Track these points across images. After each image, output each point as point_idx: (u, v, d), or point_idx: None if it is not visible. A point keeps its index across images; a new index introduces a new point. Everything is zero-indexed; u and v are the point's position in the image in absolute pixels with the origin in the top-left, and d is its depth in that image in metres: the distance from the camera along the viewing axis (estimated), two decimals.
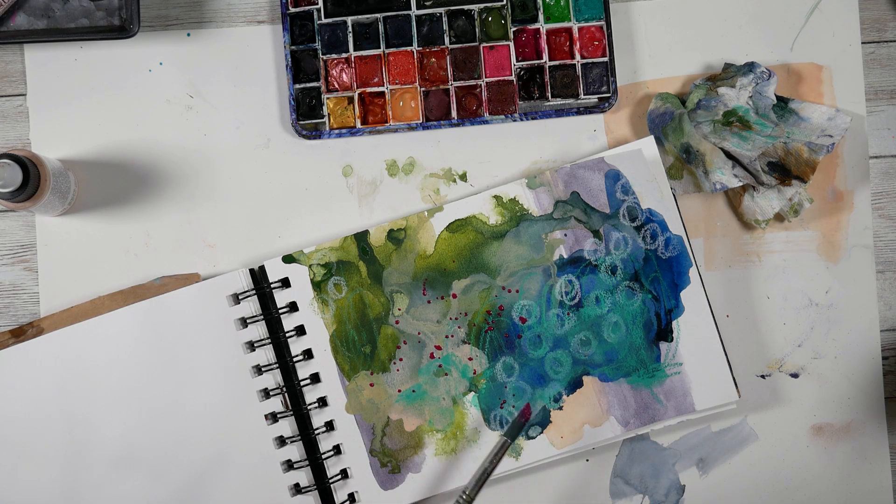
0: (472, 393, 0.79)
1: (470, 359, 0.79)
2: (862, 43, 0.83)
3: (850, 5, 0.83)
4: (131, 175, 0.81)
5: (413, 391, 0.79)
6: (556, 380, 0.80)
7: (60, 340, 0.78)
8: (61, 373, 0.78)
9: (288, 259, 0.79)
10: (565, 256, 0.80)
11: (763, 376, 0.83)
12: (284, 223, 0.82)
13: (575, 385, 0.80)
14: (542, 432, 0.79)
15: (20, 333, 0.79)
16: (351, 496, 0.79)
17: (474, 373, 0.79)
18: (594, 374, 0.80)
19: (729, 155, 0.79)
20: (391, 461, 0.79)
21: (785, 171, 0.79)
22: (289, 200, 0.82)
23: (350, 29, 0.81)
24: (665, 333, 0.80)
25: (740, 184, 0.78)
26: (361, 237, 0.80)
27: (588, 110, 0.82)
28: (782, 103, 0.81)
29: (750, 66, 0.80)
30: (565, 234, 0.80)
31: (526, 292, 0.80)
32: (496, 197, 0.80)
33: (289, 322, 0.79)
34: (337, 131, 0.81)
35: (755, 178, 0.78)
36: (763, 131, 0.79)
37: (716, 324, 0.80)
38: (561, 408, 0.79)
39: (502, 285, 0.80)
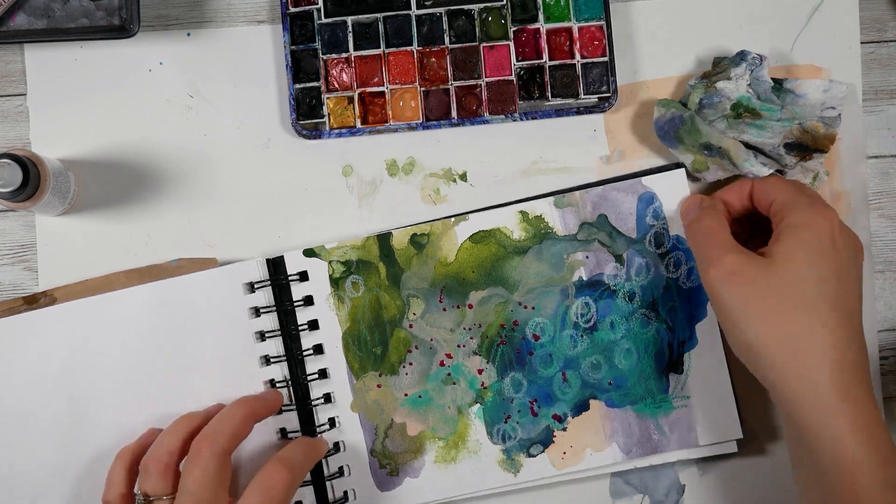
0: (478, 405, 0.79)
1: (479, 371, 0.79)
2: (861, 43, 0.84)
3: (850, 6, 0.83)
4: (131, 175, 0.81)
5: (419, 396, 0.79)
6: (563, 400, 0.79)
7: (72, 311, 0.78)
8: (70, 344, 0.78)
9: (309, 253, 0.79)
10: (585, 278, 0.80)
11: None
12: (284, 223, 0.82)
13: (581, 407, 0.80)
14: (543, 451, 0.79)
15: (33, 301, 0.79)
16: (346, 493, 0.79)
17: (482, 385, 0.79)
18: (601, 399, 0.79)
19: (747, 145, 0.78)
20: (390, 463, 0.79)
21: (803, 147, 0.79)
22: (289, 200, 0.82)
23: (350, 29, 0.81)
24: (676, 365, 0.79)
25: (770, 171, 0.78)
26: (384, 239, 0.80)
27: (588, 110, 0.82)
28: (777, 85, 0.81)
29: (741, 56, 0.80)
30: (587, 257, 0.80)
31: (542, 310, 0.80)
32: (522, 212, 0.80)
33: (302, 315, 0.79)
34: (337, 131, 0.81)
35: (779, 163, 0.78)
36: (773, 115, 0.79)
37: (727, 360, 0.80)
38: (565, 429, 0.79)
39: (519, 301, 0.80)
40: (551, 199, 0.80)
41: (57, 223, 0.81)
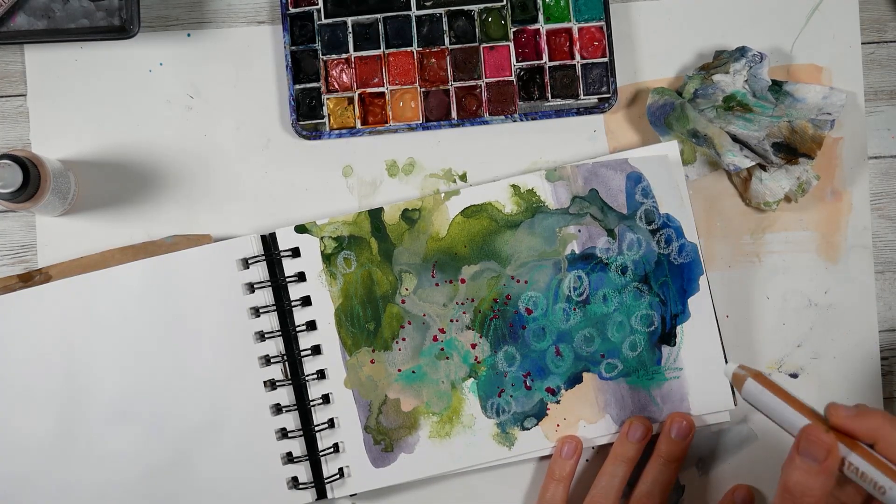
0: (472, 379, 0.80)
1: (473, 345, 0.79)
2: (862, 43, 0.84)
3: (851, 7, 0.83)
4: (131, 175, 0.81)
5: (413, 372, 0.79)
6: (557, 373, 0.80)
7: (67, 289, 0.78)
8: (65, 321, 0.78)
9: (300, 229, 0.79)
10: (577, 252, 0.80)
11: None
12: (284, 224, 0.82)
13: (574, 380, 0.80)
14: (537, 424, 0.80)
15: (28, 279, 0.80)
16: (341, 470, 0.79)
17: (476, 359, 0.80)
18: (594, 372, 0.80)
19: (735, 139, 0.79)
20: (385, 439, 0.79)
21: (791, 150, 0.79)
22: (289, 201, 0.82)
23: (350, 29, 0.81)
24: (668, 337, 0.80)
25: (752, 164, 0.78)
26: (376, 214, 0.80)
27: (588, 111, 0.82)
28: (777, 87, 0.81)
29: (741, 51, 0.80)
30: (579, 230, 0.80)
31: (534, 284, 0.80)
32: (514, 186, 0.80)
33: (295, 291, 0.79)
34: (337, 132, 0.81)
35: (764, 159, 0.78)
36: (765, 112, 0.79)
37: (720, 333, 0.80)
38: (559, 402, 0.80)
39: (511, 275, 0.80)
40: (542, 172, 0.80)
41: (57, 223, 0.81)
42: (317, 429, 0.79)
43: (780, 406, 0.66)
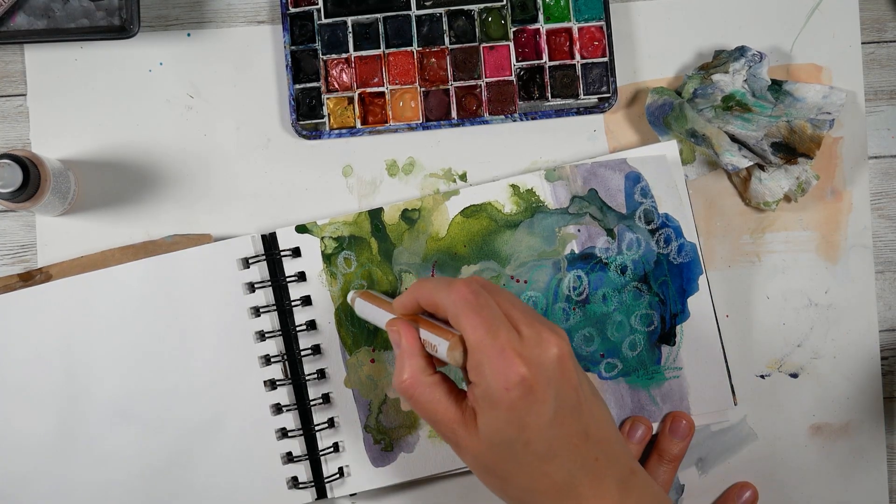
0: None
1: None
2: (862, 43, 0.84)
3: (851, 6, 0.83)
4: (131, 175, 0.81)
5: None
6: None
7: (67, 288, 0.78)
8: (65, 321, 0.78)
9: (301, 229, 0.79)
10: (576, 252, 0.80)
11: (762, 376, 0.83)
12: (284, 224, 0.82)
13: None
14: None
15: (28, 278, 0.80)
16: (341, 470, 0.79)
17: None
18: (594, 371, 0.80)
19: (733, 138, 0.79)
20: (385, 439, 0.79)
21: (790, 150, 0.79)
22: (289, 201, 0.82)
23: (350, 29, 0.81)
24: (668, 337, 0.80)
25: (750, 164, 0.78)
26: (376, 214, 0.80)
27: (588, 110, 0.82)
28: (776, 86, 0.81)
29: (741, 51, 0.80)
30: (579, 230, 0.80)
31: (534, 284, 0.80)
32: (513, 186, 0.80)
33: (296, 291, 0.79)
34: (337, 131, 0.81)
35: (763, 159, 0.78)
36: (763, 112, 0.79)
37: (720, 332, 0.80)
38: None
39: (511, 275, 0.80)
40: (542, 172, 0.80)
41: (57, 223, 0.81)
42: (317, 428, 0.79)
43: (374, 310, 0.73)
